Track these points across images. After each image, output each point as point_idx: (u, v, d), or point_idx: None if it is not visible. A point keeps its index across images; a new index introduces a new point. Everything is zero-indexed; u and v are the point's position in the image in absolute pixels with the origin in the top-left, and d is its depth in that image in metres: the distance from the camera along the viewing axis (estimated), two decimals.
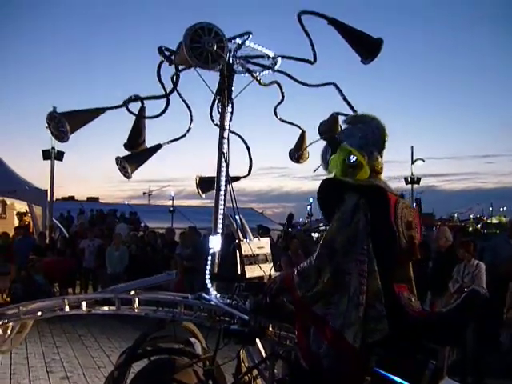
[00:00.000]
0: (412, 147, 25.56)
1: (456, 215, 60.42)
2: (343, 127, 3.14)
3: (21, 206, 15.25)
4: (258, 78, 4.29)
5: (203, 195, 4.89)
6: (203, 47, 3.35)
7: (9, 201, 15.07)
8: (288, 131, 5.14)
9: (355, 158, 2.90)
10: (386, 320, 2.68)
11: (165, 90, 4.08)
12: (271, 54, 4.13)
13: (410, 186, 25.69)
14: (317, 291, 2.77)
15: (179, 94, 4.15)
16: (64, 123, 3.51)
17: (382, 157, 3.06)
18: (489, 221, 57.50)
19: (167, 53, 4.02)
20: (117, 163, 4.24)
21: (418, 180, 25.95)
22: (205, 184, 4.80)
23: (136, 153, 4.46)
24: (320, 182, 3.05)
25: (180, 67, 4.02)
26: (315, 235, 19.90)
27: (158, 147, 4.47)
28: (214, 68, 3.59)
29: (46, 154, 15.03)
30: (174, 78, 4.09)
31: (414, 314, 2.81)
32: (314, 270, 2.81)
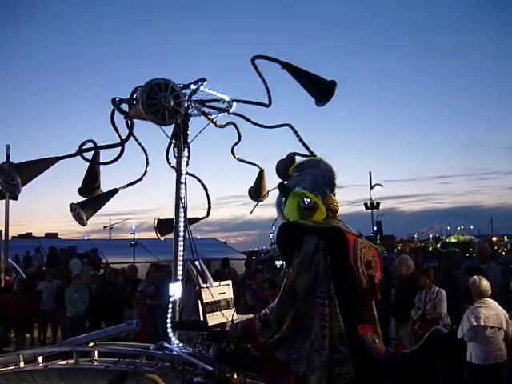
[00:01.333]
0: (370, 173, 26.02)
1: (416, 235, 61.50)
2: (292, 176, 3.18)
3: None
4: (214, 121, 4.31)
5: (162, 238, 4.83)
6: (160, 104, 3.34)
7: None
8: (247, 166, 5.17)
9: (309, 200, 2.93)
10: (350, 363, 2.67)
11: (120, 138, 4.04)
12: (226, 98, 4.16)
13: (369, 210, 26.07)
14: (279, 337, 2.75)
15: (135, 139, 4.11)
16: (15, 176, 3.40)
17: (334, 195, 3.10)
18: (447, 240, 58.82)
19: (123, 105, 3.97)
20: (71, 210, 4.14)
21: (378, 205, 26.37)
22: (164, 226, 4.75)
23: (91, 198, 4.37)
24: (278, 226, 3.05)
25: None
26: (279, 263, 19.91)
27: (114, 192, 4.40)
28: (171, 123, 3.58)
29: (0, 194, 14.57)
30: (129, 123, 4.05)
31: (379, 356, 2.80)
32: (275, 315, 2.79)
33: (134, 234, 33.29)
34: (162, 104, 3.30)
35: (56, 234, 44.16)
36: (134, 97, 3.77)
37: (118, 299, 11.66)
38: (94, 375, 4.99)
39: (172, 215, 4.06)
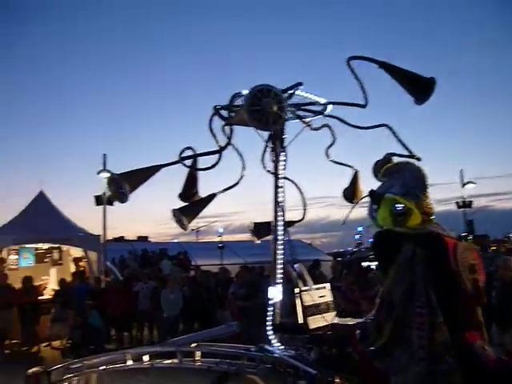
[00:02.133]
0: (461, 170, 24.91)
1: None
2: (380, 182, 3.09)
3: (76, 251, 15.64)
4: (309, 124, 4.31)
5: (258, 241, 4.88)
6: (264, 109, 3.38)
7: (65, 247, 15.48)
8: (331, 168, 5.13)
9: (401, 205, 2.84)
10: (458, 373, 2.56)
11: (218, 144, 4.13)
12: (322, 101, 4.15)
13: (461, 209, 24.94)
14: (378, 346, 2.70)
15: (233, 145, 4.19)
16: (123, 184, 3.59)
17: (427, 197, 2.99)
18: None
19: (223, 112, 4.06)
20: (173, 216, 4.29)
21: (470, 203, 25.17)
22: (260, 230, 4.80)
23: (191, 204, 4.51)
24: (374, 233, 3.00)
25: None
26: (365, 264, 19.52)
27: (212, 196, 4.52)
28: (274, 129, 3.62)
29: (99, 200, 15.48)
30: (227, 130, 4.14)
31: (490, 364, 2.67)
32: (374, 324, 2.74)
33: (221, 236, 33.97)
34: (266, 109, 3.35)
35: (147, 237, 46.06)
36: (234, 103, 3.85)
37: (210, 301, 11.98)
38: (196, 375, 5.12)
39: (258, 218, 4.11)
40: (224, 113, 4.08)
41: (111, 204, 15.55)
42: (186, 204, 4.47)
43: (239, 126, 3.97)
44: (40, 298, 12.99)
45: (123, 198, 3.70)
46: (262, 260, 20.19)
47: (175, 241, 32.52)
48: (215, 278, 13.48)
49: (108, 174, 15.36)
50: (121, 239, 41.96)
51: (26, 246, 14.85)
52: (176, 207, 4.33)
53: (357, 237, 50.19)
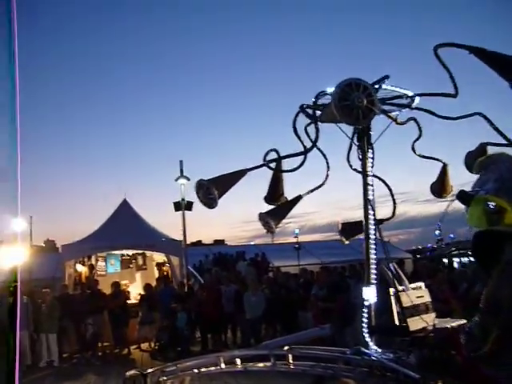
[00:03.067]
0: None
1: None
2: (476, 176, 2.90)
3: (159, 257, 16.15)
4: (394, 118, 4.16)
5: (347, 241, 4.78)
6: (353, 104, 3.28)
7: (148, 253, 16.03)
8: (405, 162, 4.91)
9: (494, 203, 2.65)
10: None
11: (304, 146, 4.06)
12: (409, 94, 3.98)
13: None
14: (486, 351, 2.52)
15: (319, 149, 4.10)
16: (212, 190, 3.62)
17: None
18: None
19: (309, 110, 3.99)
20: (260, 219, 4.28)
21: None
22: (348, 230, 4.69)
23: (278, 206, 4.48)
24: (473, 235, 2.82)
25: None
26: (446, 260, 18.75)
27: (298, 198, 4.47)
28: (366, 123, 3.51)
29: (177, 206, 15.87)
30: (313, 132, 4.05)
31: None
32: (479, 329, 2.57)
33: (297, 237, 33.83)
34: (356, 104, 3.24)
35: (223, 240, 46.77)
36: (319, 102, 3.78)
37: (291, 302, 11.92)
38: (288, 378, 5.08)
39: (333, 217, 4.01)
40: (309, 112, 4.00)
41: (190, 209, 15.90)
42: (273, 207, 4.44)
43: (327, 123, 3.89)
44: (128, 301, 13.50)
45: (212, 203, 3.73)
46: (338, 260, 19.96)
47: (252, 243, 32.73)
48: (295, 279, 13.41)
49: (185, 181, 15.74)
50: (198, 243, 42.84)
51: (113, 252, 15.51)
52: (263, 210, 4.32)
53: (437, 232, 48.29)
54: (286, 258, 24.45)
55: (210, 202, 3.74)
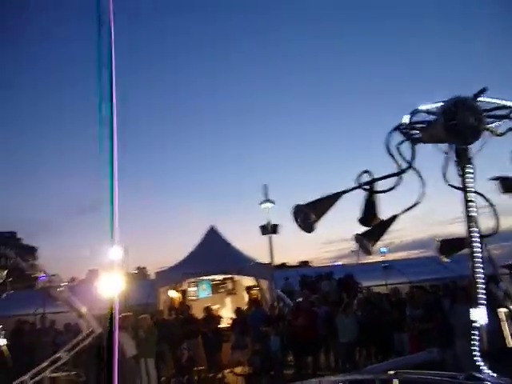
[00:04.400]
0: None
1: None
2: None
3: (248, 281, 16.34)
4: (493, 130, 4.00)
5: (447, 259, 4.61)
6: (462, 124, 3.18)
7: (237, 277, 16.29)
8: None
9: None
10: None
11: (398, 166, 3.98)
12: (509, 104, 3.82)
13: None
14: None
15: (415, 169, 3.99)
16: (310, 215, 3.65)
17: None
18: None
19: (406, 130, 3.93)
20: (356, 241, 4.24)
21: None
22: (448, 247, 4.52)
23: (373, 227, 4.41)
24: None
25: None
26: None
27: (393, 218, 4.38)
28: (472, 142, 3.40)
29: (264, 229, 16.01)
30: (409, 151, 3.96)
31: None
32: None
33: (384, 255, 32.92)
34: (464, 123, 3.15)
35: (307, 261, 46.48)
36: (414, 120, 3.71)
37: (385, 324, 11.60)
38: None
39: (418, 234, 3.85)
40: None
41: (276, 232, 15.98)
42: (368, 228, 4.38)
43: (429, 143, 3.81)
44: (220, 326, 13.72)
45: (310, 228, 3.76)
46: (429, 278, 19.16)
47: (337, 263, 32.27)
48: (387, 299, 13.04)
49: (270, 204, 15.87)
50: (283, 266, 42.81)
51: (203, 278, 15.91)
52: (358, 232, 4.27)
53: None
54: (373, 278, 23.82)
55: (308, 227, 3.76)
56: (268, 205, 15.86)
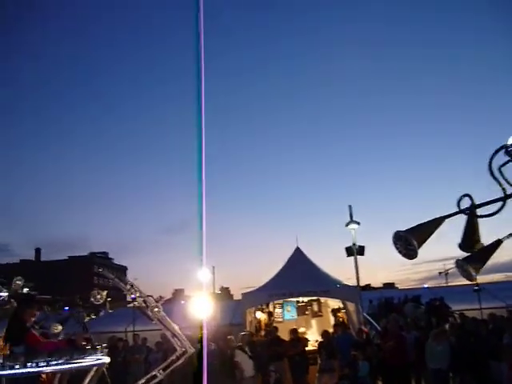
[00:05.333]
0: None
1: None
2: None
3: (334, 303, 16.19)
4: None
5: None
6: None
7: (323, 299, 16.18)
8: None
9: None
10: None
11: (503, 190, 3.85)
12: None
13: None
14: None
15: None
16: (411, 241, 3.62)
17: None
18: None
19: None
20: (457, 267, 4.14)
21: None
22: None
23: (476, 253, 4.28)
24: None
25: None
26: None
27: (498, 243, 4.23)
28: None
29: (349, 251, 15.85)
30: None
31: None
32: None
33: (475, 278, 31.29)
34: None
35: (393, 283, 45.22)
36: None
37: (481, 351, 11.03)
38: None
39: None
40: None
41: (362, 254, 15.78)
42: (470, 254, 4.26)
43: None
44: (306, 348, 13.66)
45: (413, 255, 3.72)
46: None
47: (424, 286, 31.09)
48: (484, 326, 12.41)
49: (355, 225, 15.71)
50: (367, 287, 41.92)
51: (289, 299, 15.94)
52: (460, 258, 4.17)
53: None
54: (464, 302, 22.74)
55: (409, 254, 3.73)
56: (353, 226, 15.71)
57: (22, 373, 4.41)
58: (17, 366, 4.39)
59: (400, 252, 3.78)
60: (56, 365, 4.61)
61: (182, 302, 24.69)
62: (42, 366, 4.50)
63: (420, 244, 3.69)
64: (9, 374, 4.30)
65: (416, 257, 3.72)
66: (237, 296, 44.33)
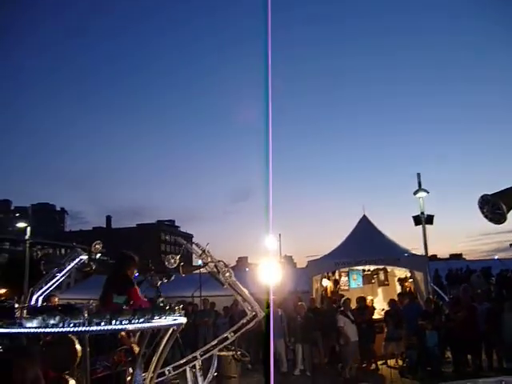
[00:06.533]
0: None
1: None
2: None
3: (401, 272, 15.93)
4: None
5: None
6: None
7: (389, 268, 15.94)
8: None
9: None
10: None
11: None
12: None
13: None
14: None
15: None
16: (500, 205, 3.46)
17: None
18: None
19: None
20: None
21: None
22: None
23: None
24: None
25: None
26: None
27: None
28: None
29: (417, 220, 15.45)
30: None
31: None
32: None
33: None
34: None
35: (460, 254, 44.01)
36: None
37: None
38: None
39: None
40: None
41: (431, 223, 15.36)
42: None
43: None
44: (372, 317, 13.60)
45: (501, 220, 3.55)
46: None
47: (495, 257, 30.01)
48: None
49: (424, 194, 15.26)
50: (433, 257, 41.00)
51: (355, 268, 15.84)
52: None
53: None
54: None
55: (497, 218, 3.56)
56: (422, 194, 15.27)
57: (107, 329, 4.63)
58: (102, 323, 4.62)
59: (486, 216, 3.62)
60: (138, 323, 4.81)
61: (246, 269, 25.15)
62: (125, 324, 4.71)
63: (509, 208, 3.51)
64: (95, 330, 4.54)
65: (504, 221, 3.55)
66: (300, 264, 44.60)
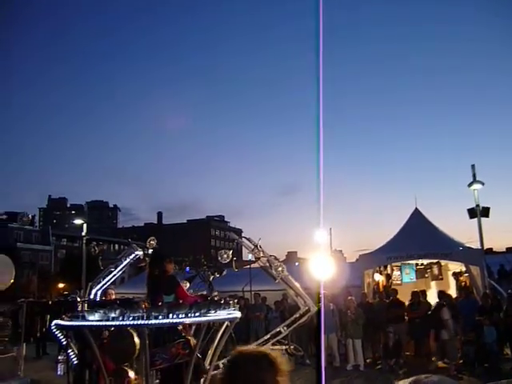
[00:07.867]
0: None
1: None
2: None
3: (455, 266, 15.55)
4: None
5: None
6: None
7: (443, 262, 15.58)
8: None
9: None
10: None
11: None
12: None
13: None
14: None
15: None
16: None
17: None
18: None
19: None
20: None
21: None
22: None
23: None
24: None
25: None
26: None
27: None
28: None
29: (472, 213, 15.05)
30: None
31: None
32: None
33: None
34: None
35: None
36: None
37: None
38: None
39: None
40: None
41: (487, 216, 14.92)
42: None
43: None
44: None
45: None
46: None
47: None
48: None
49: (479, 186, 14.83)
50: (488, 251, 39.67)
51: (407, 262, 15.58)
52: None
53: None
54: None
55: None
56: (477, 186, 14.85)
57: (165, 323, 4.79)
58: (160, 317, 4.77)
59: None
60: (194, 317, 4.94)
61: (296, 263, 25.13)
62: (183, 318, 4.84)
63: None
64: (154, 323, 4.70)
65: None
66: (349, 259, 44.19)
